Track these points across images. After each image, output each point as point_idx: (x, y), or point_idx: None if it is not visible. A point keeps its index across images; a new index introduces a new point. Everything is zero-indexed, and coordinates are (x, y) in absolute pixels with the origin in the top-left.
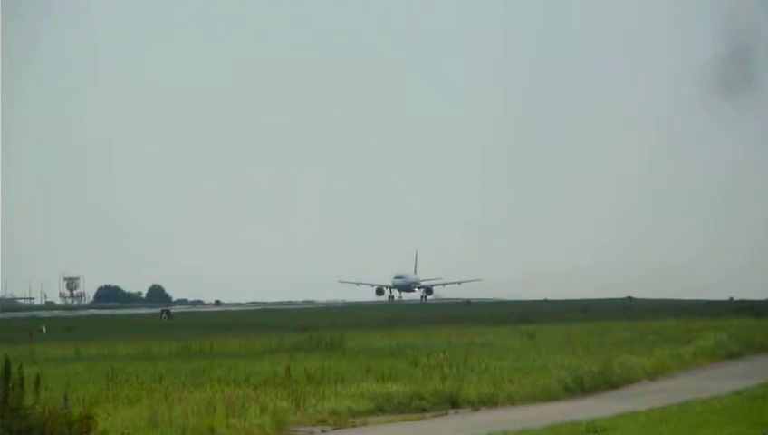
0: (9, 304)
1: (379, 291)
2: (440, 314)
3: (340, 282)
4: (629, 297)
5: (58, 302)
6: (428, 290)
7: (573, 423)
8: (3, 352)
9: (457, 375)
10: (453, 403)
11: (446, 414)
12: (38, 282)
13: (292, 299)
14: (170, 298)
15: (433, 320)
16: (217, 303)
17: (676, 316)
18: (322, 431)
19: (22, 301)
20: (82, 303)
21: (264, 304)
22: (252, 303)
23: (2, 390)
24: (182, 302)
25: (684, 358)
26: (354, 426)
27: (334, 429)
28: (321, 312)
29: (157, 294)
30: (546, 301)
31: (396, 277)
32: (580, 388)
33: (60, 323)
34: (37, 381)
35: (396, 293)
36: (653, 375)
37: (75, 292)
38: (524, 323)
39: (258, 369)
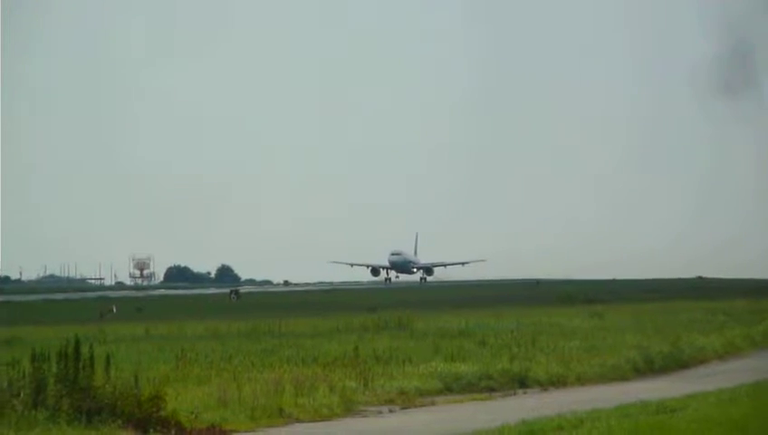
0: (80, 285)
1: (375, 271)
2: (508, 295)
3: (331, 262)
4: (699, 277)
5: (128, 282)
6: (428, 270)
7: (643, 403)
8: (73, 332)
9: (526, 355)
10: (521, 383)
11: (515, 394)
12: (108, 262)
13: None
14: (239, 278)
15: (501, 300)
16: (286, 283)
17: (746, 296)
18: (390, 411)
19: (92, 281)
20: (152, 283)
21: (331, 283)
22: (320, 283)
23: (72, 369)
24: (250, 282)
25: (755, 338)
26: (422, 405)
27: (402, 408)
28: (388, 292)
29: (225, 274)
30: (614, 281)
31: (392, 254)
32: (649, 368)
33: (130, 303)
34: (107, 361)
35: (393, 274)
36: (723, 355)
37: (145, 272)
38: (593, 304)
39: (326, 349)
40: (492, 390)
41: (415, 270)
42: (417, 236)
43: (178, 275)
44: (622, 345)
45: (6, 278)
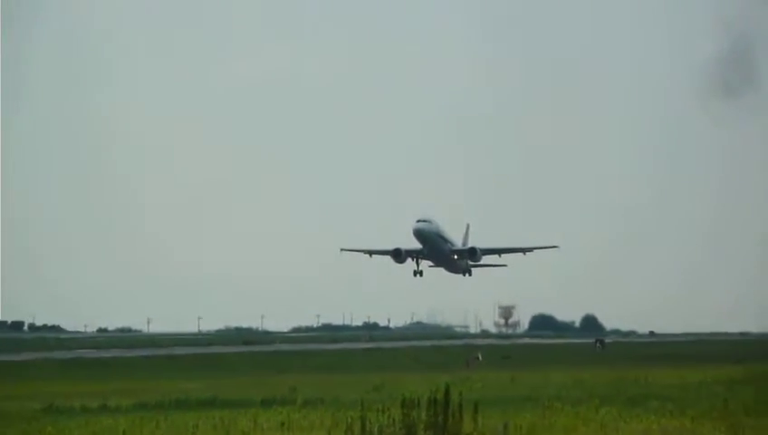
0: (446, 332)
1: (397, 254)
2: None
3: (342, 250)
4: None
5: (493, 330)
6: (473, 253)
7: None
8: (440, 379)
9: None
10: None
11: None
12: (474, 310)
13: (727, 330)
14: (603, 328)
15: None
16: (651, 333)
17: None
18: None
19: (458, 329)
20: (517, 331)
21: (697, 334)
22: (685, 334)
23: (442, 416)
24: (615, 332)
25: None
26: None
27: None
28: (756, 342)
29: (590, 323)
30: None
31: (419, 221)
32: None
33: (496, 350)
34: (475, 408)
35: (423, 264)
36: None
37: (510, 320)
38: None
39: (693, 400)
40: None
41: (455, 256)
42: (467, 228)
43: (543, 323)
44: None
45: (375, 325)
